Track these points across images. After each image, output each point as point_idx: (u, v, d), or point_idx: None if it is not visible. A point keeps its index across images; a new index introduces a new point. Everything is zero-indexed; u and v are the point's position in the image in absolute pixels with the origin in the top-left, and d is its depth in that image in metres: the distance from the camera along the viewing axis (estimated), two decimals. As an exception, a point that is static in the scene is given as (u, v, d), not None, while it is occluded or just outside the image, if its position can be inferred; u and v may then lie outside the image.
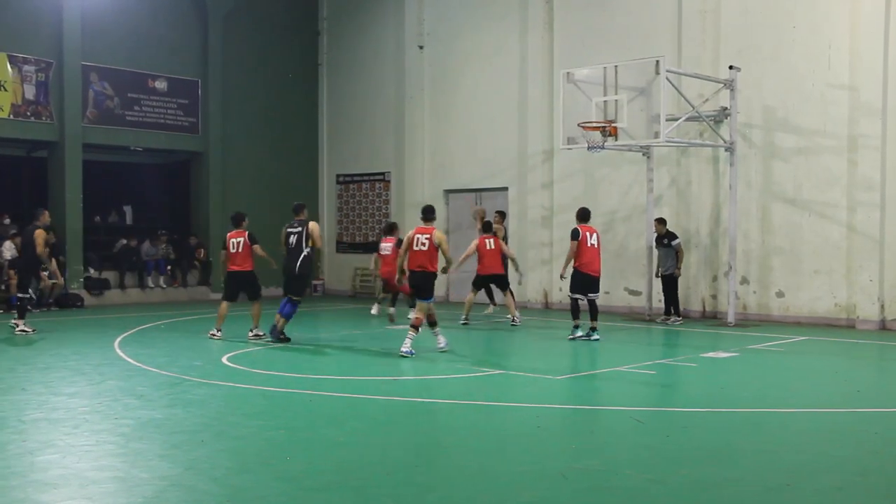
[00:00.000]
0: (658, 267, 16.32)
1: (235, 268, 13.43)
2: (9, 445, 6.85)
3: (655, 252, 16.47)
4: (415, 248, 11.81)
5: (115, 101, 20.55)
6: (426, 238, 11.79)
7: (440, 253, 11.88)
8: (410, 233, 12.11)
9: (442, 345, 11.94)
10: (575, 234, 13.33)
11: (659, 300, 16.57)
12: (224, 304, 13.62)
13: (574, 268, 13.38)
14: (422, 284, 11.77)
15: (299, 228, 13.06)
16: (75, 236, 19.51)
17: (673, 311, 15.98)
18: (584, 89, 15.19)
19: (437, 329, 12.03)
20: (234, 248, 13.42)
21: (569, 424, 8.05)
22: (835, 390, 9.80)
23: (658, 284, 16.50)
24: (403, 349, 11.44)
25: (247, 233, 13.50)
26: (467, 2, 20.82)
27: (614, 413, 8.46)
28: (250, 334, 13.32)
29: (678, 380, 10.37)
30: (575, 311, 13.41)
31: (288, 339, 13.02)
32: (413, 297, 12.36)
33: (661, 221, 16.18)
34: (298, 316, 16.12)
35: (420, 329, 11.71)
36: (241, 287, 13.59)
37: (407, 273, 11.97)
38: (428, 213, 12.16)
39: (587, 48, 18.20)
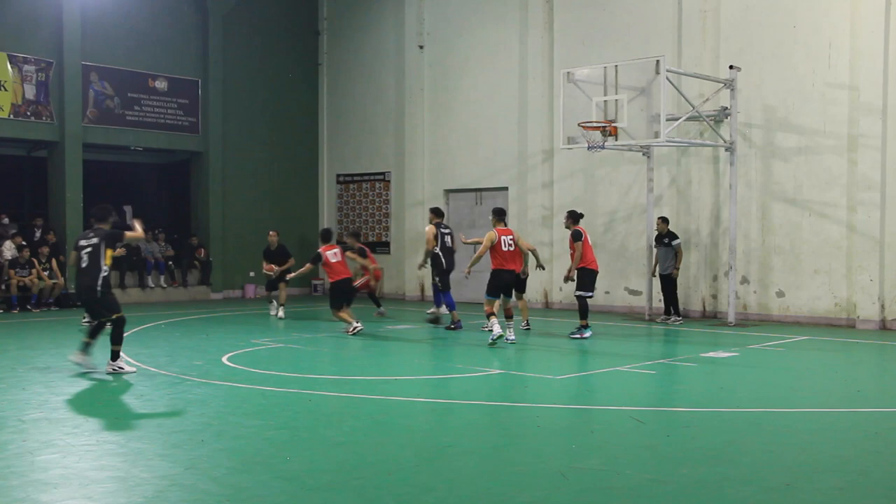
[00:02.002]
0: (656, 266, 16.32)
1: (337, 277, 14.34)
2: (9, 445, 6.85)
3: (654, 251, 16.46)
4: (504, 249, 12.61)
5: (115, 101, 20.56)
6: (511, 239, 12.75)
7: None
8: (493, 234, 12.69)
9: (513, 337, 12.80)
10: (579, 236, 13.44)
11: (659, 300, 16.58)
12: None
13: (581, 267, 13.50)
14: (517, 282, 13.24)
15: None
16: (75, 236, 19.46)
17: (672, 311, 15.98)
18: (584, 89, 15.19)
19: (511, 322, 12.89)
20: (334, 258, 14.42)
21: (569, 424, 8.05)
22: (835, 390, 9.80)
23: (657, 284, 16.51)
24: (510, 337, 12.64)
25: (339, 246, 14.89)
26: (467, 2, 20.83)
27: (614, 413, 8.45)
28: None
29: (678, 380, 10.37)
30: (585, 309, 13.47)
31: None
32: (506, 293, 13.00)
33: (663, 220, 16.17)
34: (298, 316, 16.09)
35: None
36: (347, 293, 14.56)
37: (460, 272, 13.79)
38: (503, 215, 13.10)
39: (587, 48, 18.21)
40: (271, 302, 17.37)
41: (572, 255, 13.76)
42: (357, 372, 10.71)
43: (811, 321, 15.69)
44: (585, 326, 13.45)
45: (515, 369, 10.71)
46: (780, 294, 16.18)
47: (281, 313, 16.71)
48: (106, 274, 9.81)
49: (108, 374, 9.91)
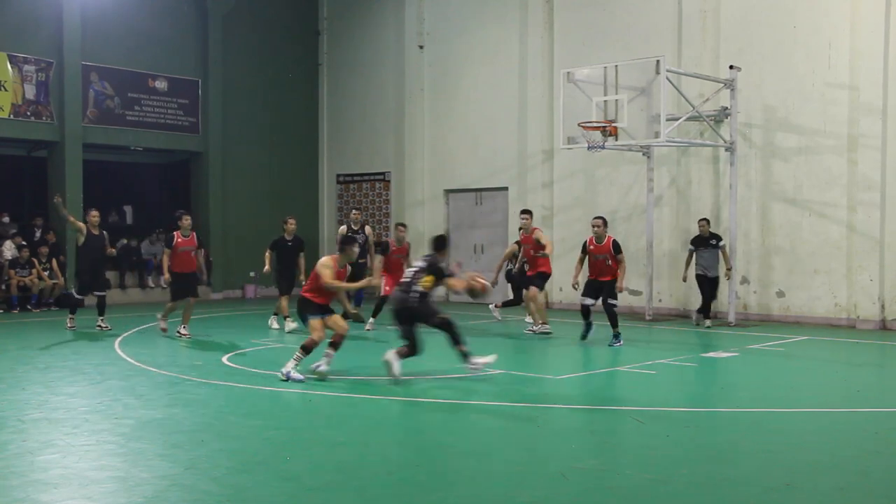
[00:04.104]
0: (687, 268, 15.60)
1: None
2: (9, 445, 6.85)
3: (689, 252, 15.66)
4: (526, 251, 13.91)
5: (115, 101, 20.56)
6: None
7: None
8: (515, 245, 14.07)
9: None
10: (620, 247, 12.76)
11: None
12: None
13: (616, 278, 12.78)
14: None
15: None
16: (75, 236, 19.45)
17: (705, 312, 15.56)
18: (585, 89, 15.19)
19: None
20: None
21: (569, 424, 8.05)
22: (835, 390, 9.80)
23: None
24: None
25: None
26: (467, 2, 20.82)
27: (614, 413, 8.45)
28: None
29: (678, 380, 10.37)
30: (616, 316, 12.87)
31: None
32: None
33: (707, 221, 15.59)
34: (298, 316, 15.95)
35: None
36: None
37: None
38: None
39: (587, 48, 18.21)
40: (277, 314, 14.99)
41: (613, 265, 12.63)
42: (357, 372, 10.70)
43: (811, 321, 15.68)
44: (619, 333, 12.79)
45: (515, 369, 10.71)
46: (781, 294, 16.17)
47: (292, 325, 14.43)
48: (423, 290, 9.87)
49: (471, 372, 9.80)
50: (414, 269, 10.21)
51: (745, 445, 7.03)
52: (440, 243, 10.44)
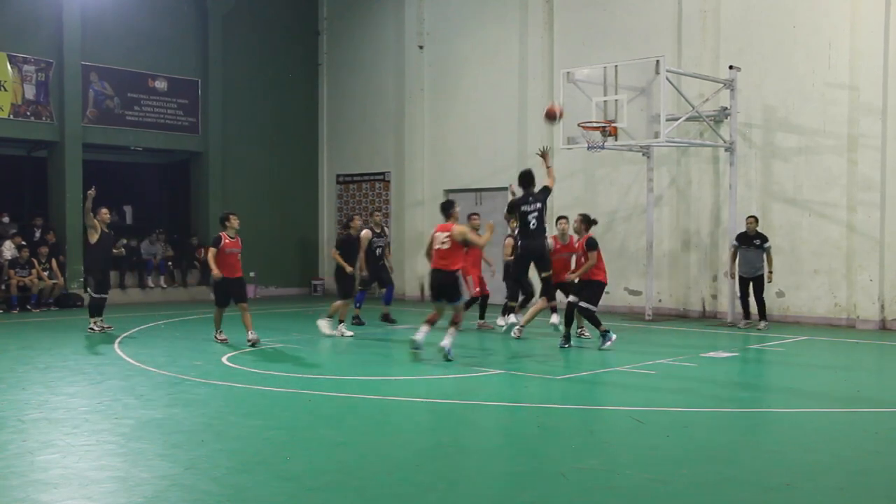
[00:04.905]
0: (738, 267, 15.14)
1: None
2: (9, 445, 6.85)
3: (733, 250, 15.27)
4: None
5: (115, 101, 20.56)
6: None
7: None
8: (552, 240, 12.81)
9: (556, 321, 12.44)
10: (595, 245, 12.14)
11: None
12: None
13: (597, 279, 12.36)
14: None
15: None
16: (75, 236, 19.49)
17: (761, 316, 15.06)
18: (585, 89, 15.19)
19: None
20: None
21: (569, 424, 8.05)
22: (835, 390, 9.80)
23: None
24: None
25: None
26: (467, 2, 20.83)
27: (614, 413, 8.45)
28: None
29: (678, 380, 10.36)
30: (596, 318, 12.38)
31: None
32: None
33: (755, 219, 15.05)
34: (299, 316, 16.06)
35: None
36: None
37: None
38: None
39: (587, 48, 18.21)
40: (332, 317, 14.10)
41: (580, 263, 12.37)
42: (357, 372, 10.71)
43: (811, 321, 15.68)
44: (607, 331, 12.38)
45: (515, 369, 10.71)
46: (780, 294, 16.16)
47: (348, 332, 13.95)
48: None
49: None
50: (535, 213, 10.69)
51: (745, 445, 7.03)
52: (530, 178, 11.16)
